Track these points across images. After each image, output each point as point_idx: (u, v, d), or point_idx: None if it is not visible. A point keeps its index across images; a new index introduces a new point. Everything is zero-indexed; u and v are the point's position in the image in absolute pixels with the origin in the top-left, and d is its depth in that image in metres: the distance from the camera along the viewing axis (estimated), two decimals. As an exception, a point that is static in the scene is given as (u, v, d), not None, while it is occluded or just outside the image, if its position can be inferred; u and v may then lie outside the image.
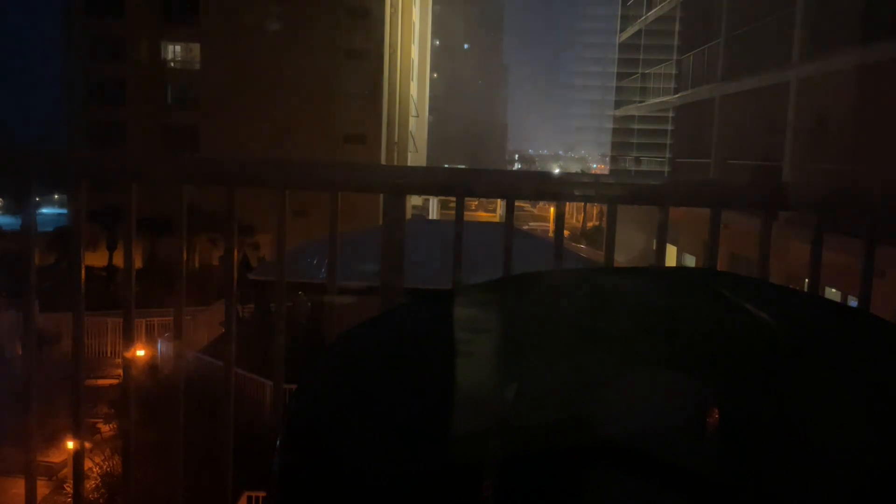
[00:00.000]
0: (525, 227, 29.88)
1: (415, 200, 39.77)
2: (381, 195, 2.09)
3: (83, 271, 2.09)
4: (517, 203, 2.13)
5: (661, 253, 2.07)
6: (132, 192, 2.06)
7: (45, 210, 37.12)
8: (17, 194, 2.11)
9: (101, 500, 11.77)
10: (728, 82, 19.28)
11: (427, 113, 60.98)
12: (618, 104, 36.95)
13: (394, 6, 42.34)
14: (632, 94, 33.72)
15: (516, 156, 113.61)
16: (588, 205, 30.89)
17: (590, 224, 49.88)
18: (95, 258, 29.02)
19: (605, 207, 2.12)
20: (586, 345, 0.97)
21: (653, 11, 30.08)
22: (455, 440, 0.80)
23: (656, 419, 0.82)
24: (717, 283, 1.17)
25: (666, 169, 29.02)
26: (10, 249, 24.99)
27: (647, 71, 31.03)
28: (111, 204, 18.46)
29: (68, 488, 10.63)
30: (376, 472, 0.78)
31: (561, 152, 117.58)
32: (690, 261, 19.70)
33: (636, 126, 33.61)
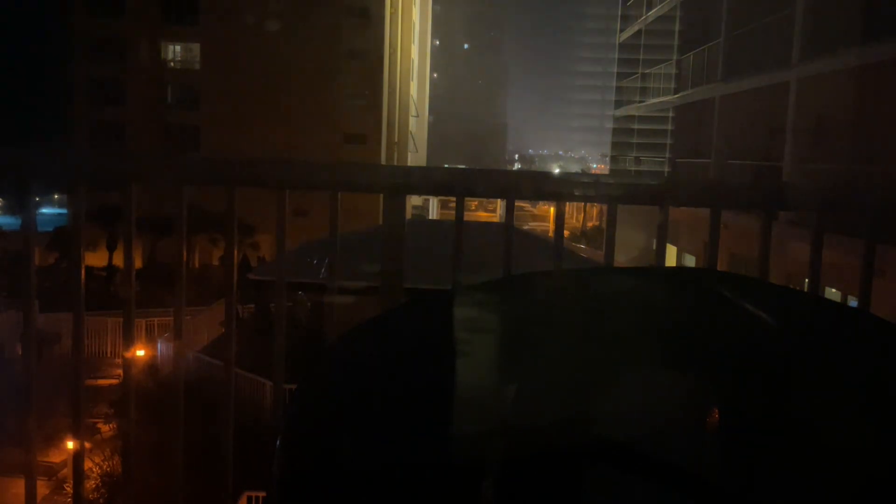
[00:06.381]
0: (525, 227, 29.86)
1: (415, 200, 39.76)
2: (381, 195, 2.09)
3: (83, 271, 2.09)
4: (517, 203, 2.13)
5: (661, 253, 2.06)
6: (132, 192, 2.06)
7: (44, 210, 37.12)
8: (17, 194, 2.11)
9: (101, 501, 11.76)
10: (728, 82, 19.27)
11: (427, 113, 60.96)
12: (618, 104, 36.92)
13: (394, 6, 42.33)
14: (632, 94, 33.69)
15: (516, 156, 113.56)
16: (588, 205, 30.88)
17: (590, 224, 49.85)
18: (95, 258, 29.03)
19: (605, 207, 2.12)
20: (586, 345, 0.97)
21: (653, 11, 30.06)
22: (455, 440, 0.80)
23: (656, 419, 0.82)
24: (717, 284, 1.17)
25: (666, 169, 28.99)
26: (10, 249, 24.99)
27: (646, 71, 31.01)
28: (111, 204, 18.46)
29: (68, 488, 10.63)
30: (376, 473, 0.78)
31: (561, 152, 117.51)
32: (690, 261, 19.68)
33: (636, 126, 33.57)
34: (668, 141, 28.50)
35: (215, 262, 31.46)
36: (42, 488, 12.10)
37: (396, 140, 43.89)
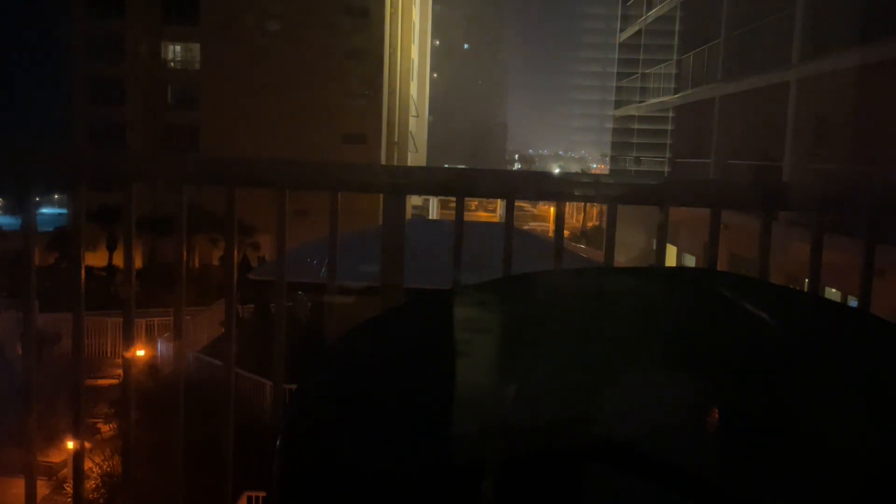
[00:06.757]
0: (525, 227, 29.88)
1: (415, 200, 39.75)
2: (381, 195, 2.09)
3: (83, 271, 2.09)
4: (517, 203, 2.13)
5: (661, 253, 2.06)
6: (132, 191, 2.06)
7: (45, 210, 37.09)
8: (18, 194, 2.11)
9: (101, 501, 11.76)
10: (728, 82, 19.27)
11: (427, 113, 60.95)
12: (618, 104, 36.92)
13: (394, 6, 42.33)
14: (632, 94, 33.69)
15: (516, 156, 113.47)
16: (588, 205, 30.88)
17: (590, 224, 49.84)
18: (95, 258, 29.03)
19: (605, 207, 2.12)
20: (586, 345, 0.97)
21: (653, 11, 30.06)
22: (455, 441, 0.80)
23: (656, 419, 0.82)
24: (717, 283, 1.17)
25: (666, 169, 29.00)
26: (11, 249, 25.01)
27: (647, 71, 31.00)
28: (111, 204, 18.45)
29: (68, 488, 10.63)
30: (376, 474, 0.78)
31: (561, 152, 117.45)
32: (690, 261, 19.67)
33: (636, 126, 33.57)
34: (668, 141, 28.49)
35: (215, 262, 31.44)
36: (42, 488, 12.10)
37: (396, 140, 43.88)
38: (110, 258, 29.80)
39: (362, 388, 0.92)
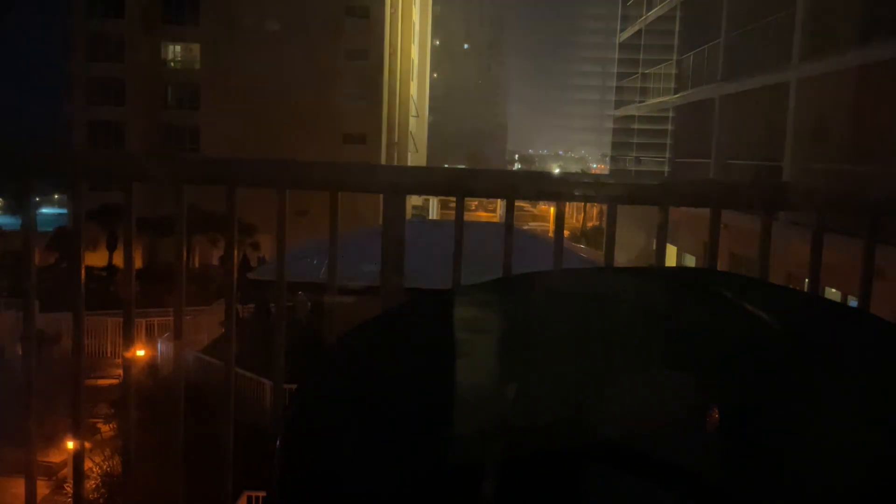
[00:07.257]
0: (525, 227, 29.87)
1: (415, 200, 39.75)
2: (381, 195, 2.09)
3: (83, 271, 2.09)
4: (517, 203, 2.13)
5: (661, 253, 2.06)
6: (132, 191, 2.06)
7: (44, 210, 37.09)
8: (17, 194, 2.11)
9: (101, 501, 11.76)
10: (728, 82, 19.27)
11: (427, 113, 60.96)
12: (618, 104, 36.93)
13: (394, 6, 42.34)
14: (632, 94, 33.69)
15: (516, 156, 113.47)
16: (588, 205, 30.87)
17: (590, 224, 49.82)
18: (95, 258, 29.03)
19: (605, 207, 2.12)
20: (586, 345, 0.97)
21: (653, 11, 30.05)
22: (455, 441, 0.80)
23: (656, 419, 0.81)
24: (717, 283, 1.17)
25: (666, 169, 28.99)
26: (11, 249, 25.01)
27: (647, 71, 31.01)
28: (111, 204, 18.45)
29: (68, 488, 10.62)
30: (375, 476, 0.78)
31: (561, 152, 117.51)
32: (690, 261, 19.67)
33: (636, 126, 33.58)
34: (668, 141, 28.48)
35: (215, 262, 31.44)
36: (42, 488, 12.10)
37: (396, 140, 43.90)
38: (110, 258, 29.80)
39: (362, 389, 0.92)
